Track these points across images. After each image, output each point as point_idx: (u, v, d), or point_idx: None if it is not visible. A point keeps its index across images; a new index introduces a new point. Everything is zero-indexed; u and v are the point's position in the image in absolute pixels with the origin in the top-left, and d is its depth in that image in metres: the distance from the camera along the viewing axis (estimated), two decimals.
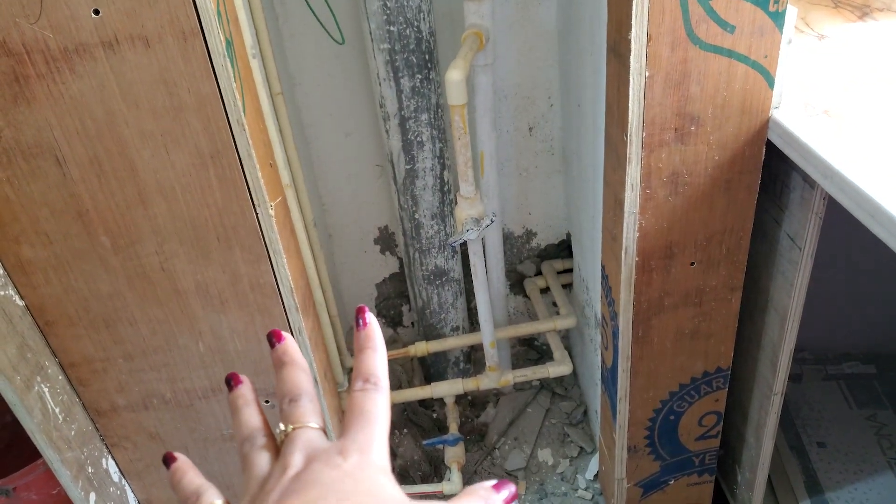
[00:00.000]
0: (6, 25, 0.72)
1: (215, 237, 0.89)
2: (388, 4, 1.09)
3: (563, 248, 1.63)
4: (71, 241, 0.88)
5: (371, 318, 0.40)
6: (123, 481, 1.15)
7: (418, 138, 1.23)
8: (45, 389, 0.95)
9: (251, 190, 0.86)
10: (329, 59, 1.29)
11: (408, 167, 1.28)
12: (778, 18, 0.78)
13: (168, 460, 0.40)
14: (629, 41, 0.78)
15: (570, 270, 1.59)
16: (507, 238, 1.59)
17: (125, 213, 0.86)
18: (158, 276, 0.92)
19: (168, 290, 0.93)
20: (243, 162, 0.83)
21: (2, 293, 0.89)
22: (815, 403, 1.39)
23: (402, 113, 1.20)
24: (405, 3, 1.09)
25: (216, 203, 0.86)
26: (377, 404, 0.36)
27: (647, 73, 0.80)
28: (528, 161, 1.47)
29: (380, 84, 1.18)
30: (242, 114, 0.80)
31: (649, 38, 0.78)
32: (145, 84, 0.77)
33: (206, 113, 0.79)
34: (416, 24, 1.11)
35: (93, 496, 1.06)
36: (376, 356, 0.39)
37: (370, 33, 1.13)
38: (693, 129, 0.85)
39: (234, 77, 0.79)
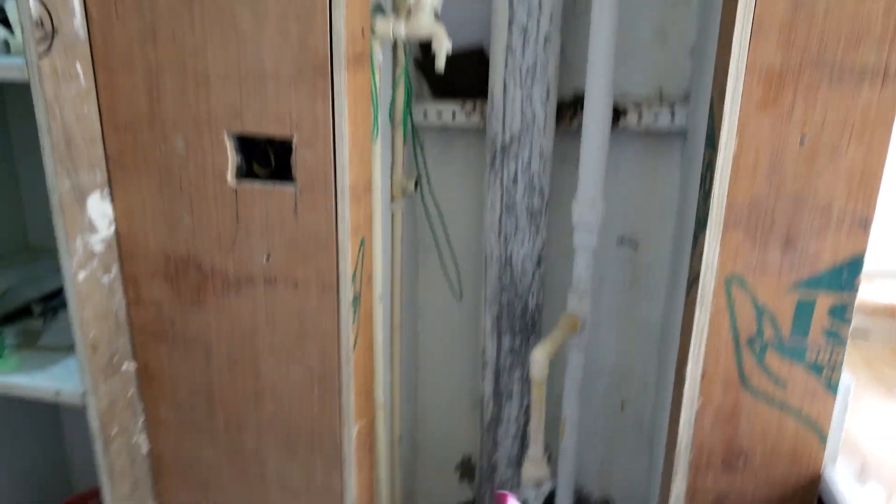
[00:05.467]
0: (204, 253, 0.98)
1: (304, 441, 1.04)
2: (503, 279, 1.27)
3: None
4: (196, 413, 1.07)
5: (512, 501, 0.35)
6: None
7: (508, 389, 1.36)
8: None
9: (342, 410, 1.01)
10: (451, 305, 1.49)
11: (494, 411, 1.39)
12: (831, 387, 0.85)
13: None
14: (683, 377, 0.88)
15: None
16: (583, 500, 1.60)
17: (242, 403, 1.05)
18: (251, 460, 1.08)
19: (255, 473, 1.08)
20: (342, 387, 1.00)
21: (135, 439, 1.09)
22: None
23: (498, 365, 1.34)
24: (518, 281, 1.27)
25: (312, 415, 1.03)
26: None
27: (699, 404, 0.88)
28: (617, 434, 1.53)
29: (484, 337, 1.34)
30: (352, 350, 0.98)
31: (703, 376, 0.87)
32: (285, 313, 0.98)
33: (324, 344, 0.98)
34: (524, 297, 1.28)
35: None
36: None
37: (485, 296, 1.31)
38: (741, 462, 0.90)
39: (353, 321, 0.98)
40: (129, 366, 1.06)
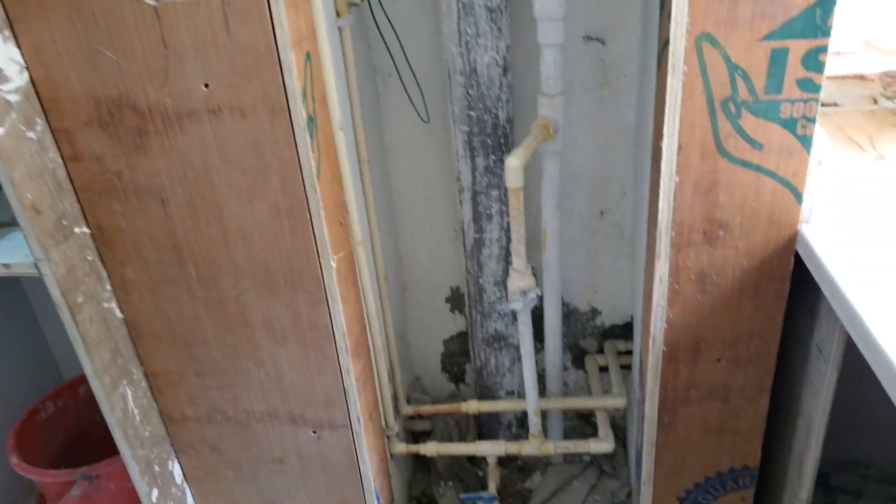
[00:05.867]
0: (136, 90, 0.90)
1: (283, 280, 1.02)
2: (470, 92, 1.21)
3: (628, 330, 1.65)
4: (165, 269, 1.04)
5: None
6: (185, 484, 1.29)
7: (487, 211, 1.33)
8: (129, 392, 1.11)
9: (317, 243, 0.98)
10: (418, 133, 1.42)
11: (476, 236, 1.37)
12: (805, 141, 0.82)
13: None
14: (661, 149, 0.85)
15: (632, 352, 1.60)
16: (572, 313, 1.63)
17: (211, 250, 1.01)
18: (232, 307, 1.06)
19: (239, 320, 1.07)
20: (313, 219, 0.96)
21: (106, 305, 1.06)
22: None
23: (475, 188, 1.31)
24: (485, 92, 1.21)
25: (287, 250, 1.00)
26: None
27: (678, 179, 0.86)
28: (598, 242, 1.53)
29: (458, 160, 1.30)
30: (316, 178, 0.94)
31: (680, 148, 0.84)
32: (238, 145, 0.92)
33: (286, 174, 0.93)
34: (494, 111, 1.22)
35: (155, 492, 1.20)
36: None
37: (453, 115, 1.25)
38: (721, 233, 0.89)
39: (312, 147, 0.92)
40: (81, 229, 1.01)
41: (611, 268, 1.56)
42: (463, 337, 1.71)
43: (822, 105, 1.31)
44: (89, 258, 1.03)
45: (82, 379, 1.56)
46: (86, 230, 1.02)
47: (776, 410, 1.04)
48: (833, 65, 1.28)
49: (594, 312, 1.64)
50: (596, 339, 1.66)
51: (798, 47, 0.78)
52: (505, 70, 1.20)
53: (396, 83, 1.36)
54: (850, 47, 1.34)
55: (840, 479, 1.40)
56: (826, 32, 0.77)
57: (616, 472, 1.63)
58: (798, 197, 0.86)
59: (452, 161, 1.35)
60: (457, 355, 1.75)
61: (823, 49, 0.78)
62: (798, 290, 0.93)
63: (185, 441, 1.23)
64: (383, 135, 1.44)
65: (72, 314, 0.99)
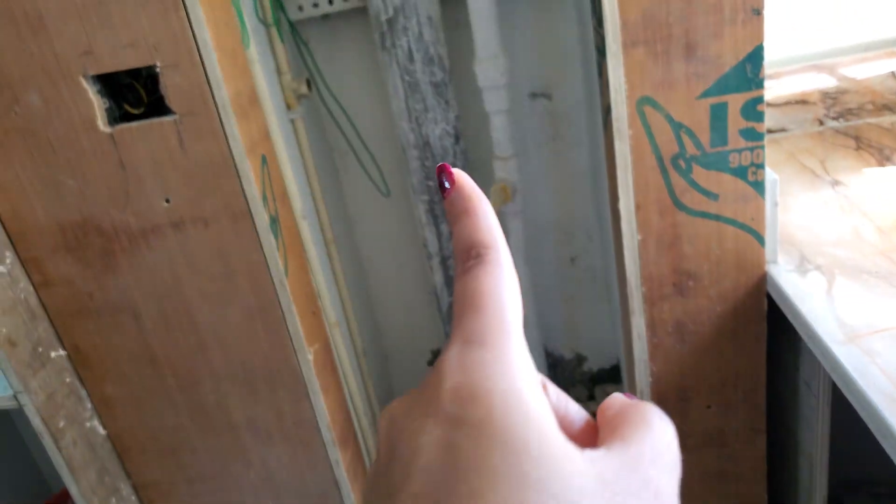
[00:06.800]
0: (100, 214, 0.90)
1: (262, 379, 1.01)
2: (426, 164, 1.23)
3: (616, 373, 1.65)
4: (144, 381, 1.02)
5: (461, 175, 0.28)
6: None
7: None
8: None
9: (292, 338, 0.98)
10: (382, 203, 1.44)
11: (450, 300, 1.38)
12: (758, 186, 0.84)
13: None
14: (619, 210, 0.87)
15: None
16: (558, 362, 1.64)
17: (188, 358, 1.00)
18: (215, 412, 1.05)
19: (223, 424, 1.06)
20: (285, 315, 0.96)
21: (88, 424, 1.05)
22: None
23: (443, 253, 1.32)
24: (440, 161, 1.22)
25: (263, 350, 0.99)
26: (484, 282, 0.24)
27: (640, 237, 0.88)
28: (573, 289, 1.54)
29: (422, 229, 1.31)
30: (284, 275, 0.94)
31: (637, 207, 0.86)
32: (204, 255, 0.92)
33: (254, 276, 0.93)
34: None
35: None
36: (477, 220, 0.27)
37: (412, 187, 1.27)
38: (691, 284, 0.91)
39: (278, 246, 0.93)
40: (58, 352, 1.00)
41: (589, 312, 1.57)
42: None
43: (773, 132, 1.35)
44: (68, 380, 1.02)
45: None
46: (62, 353, 1.01)
47: (777, 449, 1.04)
48: (776, 87, 1.33)
49: (580, 359, 1.64)
50: (585, 387, 1.66)
51: (735, 101, 0.81)
52: (457, 139, 1.22)
53: (355, 159, 1.37)
54: (790, 68, 1.39)
55: (851, 501, 1.40)
56: (759, 84, 0.80)
57: None
58: (760, 240, 0.87)
59: (416, 229, 1.36)
60: None
61: (759, 100, 0.80)
62: (777, 328, 0.94)
63: None
64: (348, 210, 1.45)
65: (55, 440, 0.97)
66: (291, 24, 1.17)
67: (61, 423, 0.99)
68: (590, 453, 0.21)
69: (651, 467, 0.22)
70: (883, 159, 1.13)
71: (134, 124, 0.85)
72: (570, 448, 0.21)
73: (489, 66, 1.10)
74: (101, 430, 1.07)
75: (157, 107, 0.86)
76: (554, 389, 0.26)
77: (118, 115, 0.87)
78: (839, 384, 0.72)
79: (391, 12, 1.10)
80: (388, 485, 0.22)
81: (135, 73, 0.85)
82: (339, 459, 1.06)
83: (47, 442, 0.97)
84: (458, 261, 0.26)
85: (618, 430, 0.23)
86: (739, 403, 0.99)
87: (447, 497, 0.20)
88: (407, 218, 1.45)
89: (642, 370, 0.97)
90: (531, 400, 0.22)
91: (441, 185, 0.28)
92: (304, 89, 1.11)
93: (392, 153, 1.37)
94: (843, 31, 1.31)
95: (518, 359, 0.23)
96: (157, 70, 0.82)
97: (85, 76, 0.83)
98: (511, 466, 0.20)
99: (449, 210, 0.28)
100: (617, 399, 0.26)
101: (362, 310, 1.45)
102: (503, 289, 0.24)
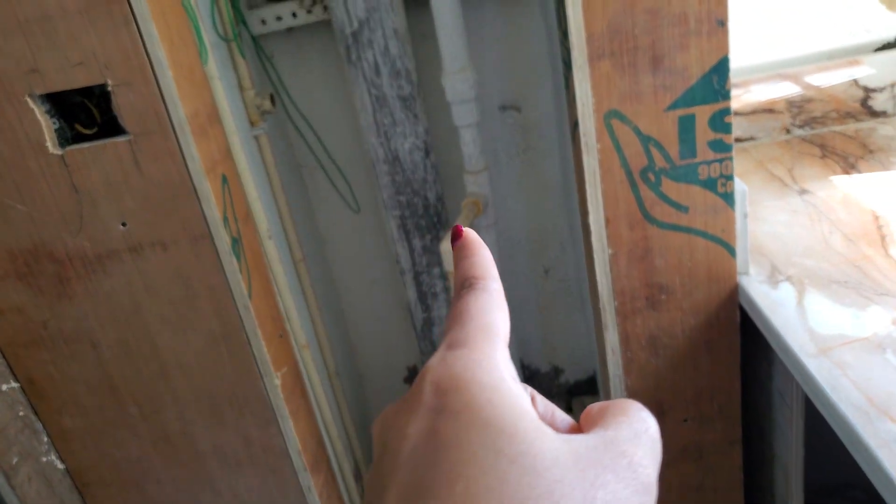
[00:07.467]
0: (52, 239, 0.86)
1: (228, 405, 0.98)
2: (396, 178, 1.20)
3: (593, 384, 1.64)
4: (104, 412, 0.98)
5: (468, 231, 0.32)
6: None
7: (432, 290, 1.32)
8: None
9: (258, 363, 0.95)
10: (353, 219, 1.41)
11: (424, 315, 1.35)
12: (728, 198, 0.84)
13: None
14: (588, 224, 0.85)
15: None
16: (535, 375, 1.62)
17: (150, 386, 0.96)
18: (180, 441, 1.01)
19: (188, 453, 1.02)
20: (250, 339, 0.93)
21: (45, 459, 1.00)
22: None
23: (416, 268, 1.30)
24: (411, 177, 1.20)
25: (228, 376, 0.96)
26: (472, 303, 0.27)
27: (611, 251, 0.86)
28: (547, 301, 1.53)
29: (394, 244, 1.29)
30: (248, 298, 0.91)
31: (607, 221, 0.85)
32: (164, 279, 0.89)
33: (216, 300, 0.90)
34: (422, 193, 1.22)
35: None
36: (475, 259, 0.30)
37: (383, 202, 1.25)
38: (664, 297, 0.90)
39: (241, 268, 0.90)
40: (9, 384, 0.96)
41: (564, 323, 1.56)
42: None
43: (741, 140, 1.35)
44: (21, 413, 0.97)
45: None
46: (14, 385, 0.96)
47: (753, 458, 1.03)
48: (743, 97, 1.33)
49: (556, 371, 1.63)
50: (563, 399, 1.65)
51: (703, 112, 0.80)
52: (427, 152, 1.21)
53: (323, 176, 1.35)
54: (757, 76, 1.39)
55: None
56: (726, 96, 0.79)
57: None
58: (731, 251, 0.87)
59: (389, 244, 1.33)
60: None
61: (727, 111, 0.80)
62: (750, 338, 0.93)
63: None
64: (318, 227, 1.42)
65: (7, 478, 0.93)
66: (254, 39, 1.15)
67: (14, 460, 0.94)
68: (565, 435, 0.22)
69: (627, 445, 0.23)
70: (848, 167, 1.13)
71: (86, 145, 0.82)
72: (544, 427, 0.22)
73: (457, 80, 1.08)
74: (60, 465, 1.03)
75: (111, 127, 0.82)
76: (542, 400, 0.27)
77: (70, 136, 0.84)
78: (811, 397, 0.71)
79: (356, 25, 1.08)
80: (380, 478, 0.23)
81: (87, 92, 0.82)
82: (311, 485, 1.03)
83: None
84: (454, 294, 0.29)
85: (597, 421, 0.25)
86: (715, 416, 0.98)
87: (431, 478, 0.21)
88: (378, 233, 1.42)
89: (617, 385, 0.95)
90: (509, 389, 0.23)
91: (453, 241, 0.32)
92: (267, 105, 1.08)
93: (361, 168, 1.34)
94: (806, 39, 1.32)
95: (500, 359, 0.24)
96: (109, 89, 0.79)
97: (31, 95, 0.79)
98: (488, 445, 0.21)
99: (455, 256, 0.31)
100: (600, 402, 0.27)
101: (334, 329, 1.42)
102: (490, 308, 0.27)
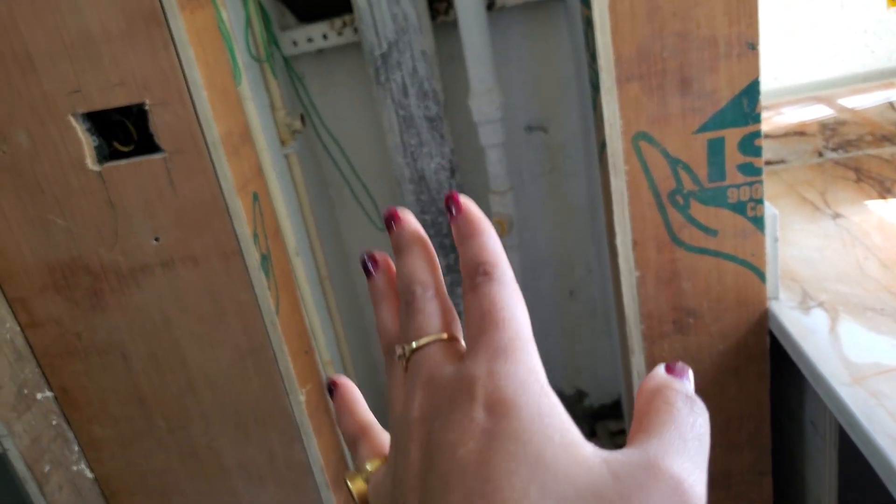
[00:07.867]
0: (88, 253, 0.88)
1: (253, 421, 0.99)
2: (422, 198, 1.21)
3: (617, 408, 1.62)
4: (133, 423, 1.00)
5: (467, 201, 0.30)
6: None
7: (456, 309, 1.32)
8: None
9: (283, 379, 0.96)
10: (377, 238, 1.42)
11: None
12: (758, 222, 0.83)
13: (332, 388, 0.33)
14: (616, 246, 0.85)
15: (625, 431, 1.57)
16: (559, 398, 1.60)
17: (177, 399, 0.98)
18: (205, 454, 1.02)
19: (213, 467, 1.03)
20: (276, 355, 0.94)
21: (75, 468, 1.02)
22: None
23: None
24: (436, 196, 1.21)
25: (254, 391, 0.97)
26: (497, 299, 0.26)
27: (638, 273, 0.86)
28: (572, 323, 1.52)
29: None
30: (275, 315, 0.92)
31: (635, 243, 0.84)
32: (194, 294, 0.90)
33: (245, 316, 0.91)
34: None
35: None
36: (484, 239, 0.28)
37: None
38: (691, 321, 0.89)
39: (269, 285, 0.91)
40: (44, 394, 0.98)
41: (590, 347, 1.55)
42: None
43: (771, 163, 1.34)
44: (54, 422, 0.99)
45: None
46: (49, 394, 0.99)
47: (783, 491, 1.01)
48: (773, 119, 1.32)
49: (580, 395, 1.61)
50: (587, 423, 1.63)
51: (732, 135, 0.79)
52: (452, 172, 1.21)
53: (350, 194, 1.36)
54: (788, 99, 1.38)
55: None
56: (756, 119, 0.78)
57: None
58: (761, 276, 0.86)
59: None
60: None
61: (757, 134, 0.79)
62: (781, 365, 0.91)
63: None
64: (343, 245, 1.44)
65: (39, 486, 0.94)
66: (286, 60, 1.17)
67: (47, 468, 0.96)
68: (607, 455, 0.22)
69: (673, 459, 0.22)
70: (884, 191, 1.11)
71: (123, 162, 0.84)
72: (587, 454, 0.22)
73: (484, 101, 1.09)
74: (89, 474, 1.04)
75: (147, 144, 0.85)
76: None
77: (107, 153, 0.86)
78: (846, 427, 0.69)
79: (385, 47, 1.09)
80: (423, 491, 0.23)
81: (125, 111, 0.84)
82: (332, 502, 1.03)
83: (31, 488, 0.94)
84: (465, 278, 0.28)
85: (643, 420, 0.24)
86: (744, 445, 0.96)
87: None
88: None
89: None
90: (560, 417, 0.23)
91: (449, 211, 0.30)
92: (298, 125, 1.10)
93: (387, 187, 1.36)
94: (840, 61, 1.31)
95: (541, 372, 0.25)
96: (147, 108, 0.81)
97: (74, 114, 0.82)
98: (538, 483, 0.21)
99: (455, 233, 0.30)
100: (654, 378, 0.26)
101: (358, 346, 1.42)
102: (515, 303, 0.26)
